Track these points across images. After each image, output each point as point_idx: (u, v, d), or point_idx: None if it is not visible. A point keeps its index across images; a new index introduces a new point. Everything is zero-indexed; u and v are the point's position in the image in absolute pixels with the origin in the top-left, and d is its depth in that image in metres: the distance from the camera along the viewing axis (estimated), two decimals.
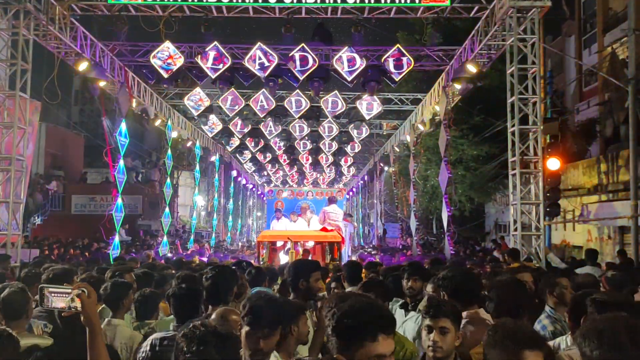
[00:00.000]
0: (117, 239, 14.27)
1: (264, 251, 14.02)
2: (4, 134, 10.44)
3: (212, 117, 19.86)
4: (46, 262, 9.06)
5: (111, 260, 12.71)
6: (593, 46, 24.43)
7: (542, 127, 10.95)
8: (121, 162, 14.21)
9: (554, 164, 12.70)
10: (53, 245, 17.36)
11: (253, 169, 31.39)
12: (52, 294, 2.48)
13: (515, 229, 10.72)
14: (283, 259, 13.77)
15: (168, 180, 19.12)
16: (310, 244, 14.12)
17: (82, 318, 2.51)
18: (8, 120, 10.50)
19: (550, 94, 16.32)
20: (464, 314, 3.41)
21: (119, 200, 14.24)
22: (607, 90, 22.10)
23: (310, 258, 13.91)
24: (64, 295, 2.48)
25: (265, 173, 33.06)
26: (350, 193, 35.72)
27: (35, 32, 11.10)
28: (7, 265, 9.48)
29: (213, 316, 3.37)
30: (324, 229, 14.04)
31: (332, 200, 16.16)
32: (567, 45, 26.98)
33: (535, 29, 10.85)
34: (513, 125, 10.90)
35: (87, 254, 17.25)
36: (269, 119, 19.83)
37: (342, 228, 14.95)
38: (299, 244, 13.56)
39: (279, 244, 14.09)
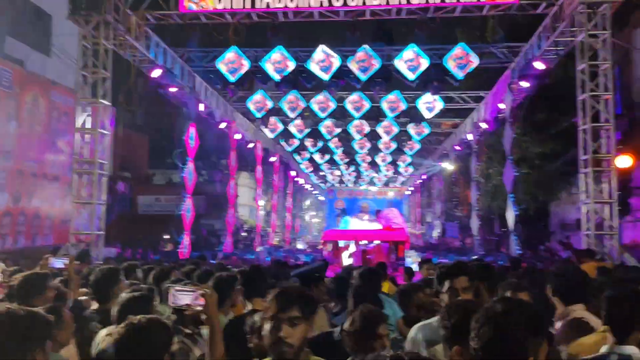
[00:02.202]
0: (186, 238, 14.79)
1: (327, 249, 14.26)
2: (87, 140, 11.06)
3: (273, 119, 20.28)
4: (125, 261, 9.54)
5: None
6: None
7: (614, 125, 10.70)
8: (191, 164, 14.71)
9: (624, 161, 12.36)
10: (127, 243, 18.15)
11: (310, 169, 31.74)
12: (178, 292, 2.69)
13: (587, 228, 10.53)
14: (346, 259, 13.94)
15: (232, 180, 19.63)
16: (373, 244, 14.26)
17: (203, 316, 2.71)
18: (90, 126, 11.11)
19: (619, 89, 15.82)
20: (568, 308, 3.44)
21: (189, 201, 14.73)
22: None
23: (371, 258, 14.07)
24: (189, 294, 2.68)
25: (322, 173, 33.35)
26: (408, 192, 35.53)
27: (113, 42, 11.68)
28: (89, 259, 10.02)
29: None
30: (388, 227, 14.14)
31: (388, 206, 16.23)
32: (635, 37, 26.00)
33: (606, 25, 10.62)
34: (584, 123, 10.69)
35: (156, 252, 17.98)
36: (329, 119, 20.06)
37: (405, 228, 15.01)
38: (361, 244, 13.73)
39: (343, 243, 14.28)
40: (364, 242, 13.87)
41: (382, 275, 5.95)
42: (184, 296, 2.68)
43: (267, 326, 2.47)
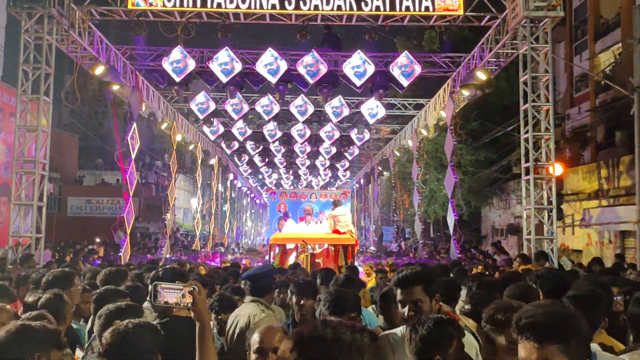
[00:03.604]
0: (127, 241, 14.32)
1: (274, 253, 14.12)
2: (27, 138, 10.50)
3: (216, 121, 20.01)
4: (60, 264, 9.07)
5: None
6: (584, 53, 25.01)
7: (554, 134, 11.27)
8: (132, 165, 14.27)
9: (557, 169, 13.06)
10: (57, 247, 17.35)
11: (249, 171, 31.49)
12: (165, 290, 2.58)
13: (529, 233, 11.03)
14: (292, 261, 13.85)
15: (173, 183, 19.21)
16: (320, 248, 14.26)
17: (192, 314, 2.63)
18: (31, 123, 10.56)
19: (554, 101, 16.71)
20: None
21: (130, 203, 14.28)
22: (598, 97, 22.70)
23: (319, 262, 14.06)
24: (176, 291, 2.58)
25: (260, 176, 33.14)
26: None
27: (55, 37, 11.15)
28: (33, 264, 9.52)
29: None
30: (336, 232, 14.16)
31: (337, 204, 16.21)
32: (557, 52, 27.54)
33: (548, 38, 11.19)
34: (526, 132, 11.20)
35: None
36: (272, 122, 20.01)
37: (354, 230, 15.06)
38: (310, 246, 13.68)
39: (290, 246, 14.21)
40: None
41: (360, 284, 5.74)
42: (172, 294, 2.58)
43: None
